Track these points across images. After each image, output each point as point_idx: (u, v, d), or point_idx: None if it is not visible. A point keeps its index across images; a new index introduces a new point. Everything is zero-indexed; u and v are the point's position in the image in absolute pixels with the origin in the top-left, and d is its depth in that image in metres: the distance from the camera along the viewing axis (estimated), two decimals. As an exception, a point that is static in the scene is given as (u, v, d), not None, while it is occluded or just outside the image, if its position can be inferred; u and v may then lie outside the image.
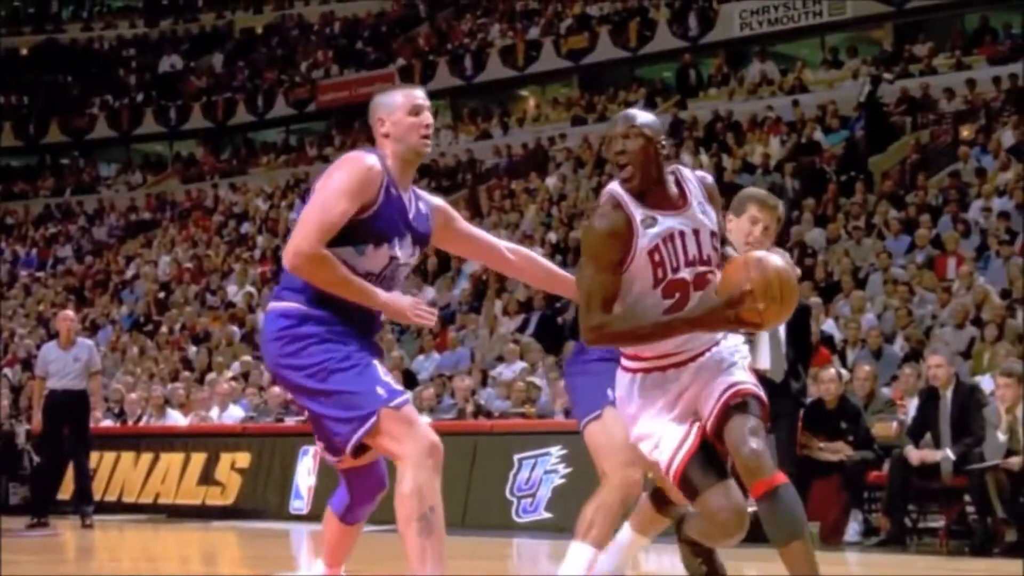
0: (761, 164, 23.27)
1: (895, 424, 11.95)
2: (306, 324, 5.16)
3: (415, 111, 5.28)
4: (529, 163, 29.63)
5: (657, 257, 4.81)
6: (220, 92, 41.82)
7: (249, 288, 25.81)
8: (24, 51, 46.90)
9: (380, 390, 5.03)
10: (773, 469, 4.79)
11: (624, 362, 5.07)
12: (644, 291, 4.80)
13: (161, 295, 27.92)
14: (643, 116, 5.14)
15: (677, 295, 4.81)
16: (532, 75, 35.69)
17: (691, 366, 4.98)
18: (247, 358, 20.24)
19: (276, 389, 16.79)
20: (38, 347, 18.33)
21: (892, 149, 23.88)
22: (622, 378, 5.08)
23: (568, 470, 12.34)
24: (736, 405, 4.89)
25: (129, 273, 30.67)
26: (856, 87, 26.42)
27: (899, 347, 15.51)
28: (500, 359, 18.02)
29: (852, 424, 11.59)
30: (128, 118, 42.51)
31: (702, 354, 4.99)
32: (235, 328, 23.55)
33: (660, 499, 5.80)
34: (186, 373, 20.99)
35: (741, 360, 5.07)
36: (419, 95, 5.34)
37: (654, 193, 4.94)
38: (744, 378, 4.99)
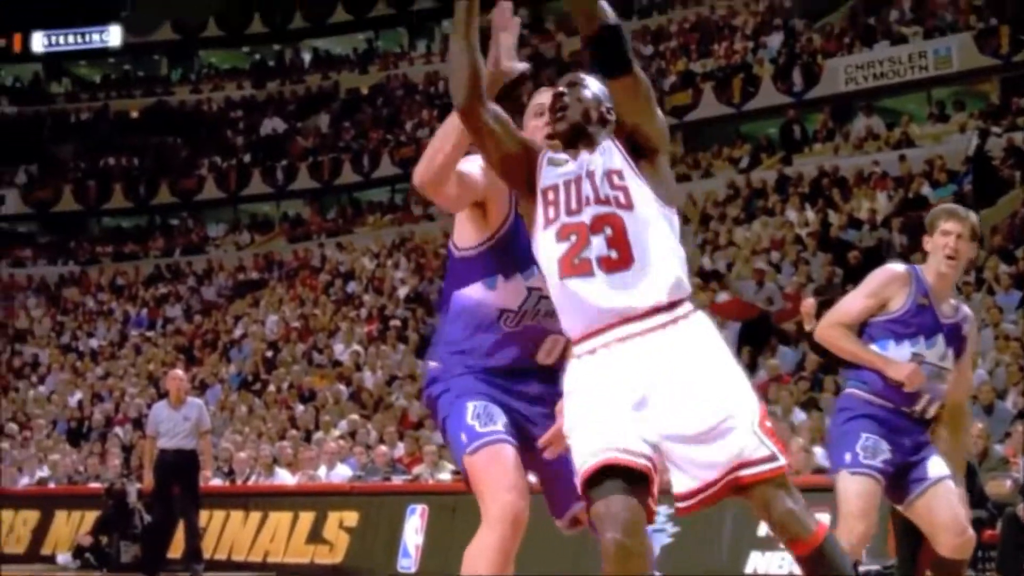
0: (868, 220, 23.11)
1: (1009, 482, 11.84)
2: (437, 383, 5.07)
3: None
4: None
5: None
6: (326, 152, 42.35)
7: (356, 347, 26.05)
8: (135, 114, 47.88)
9: (463, 436, 4.86)
10: (813, 525, 4.44)
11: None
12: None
13: (269, 354, 28.22)
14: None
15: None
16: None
17: (637, 342, 4.48)
18: (354, 417, 20.44)
19: (383, 448, 16.92)
20: (149, 406, 18.66)
21: (1001, 203, 23.62)
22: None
23: (676, 529, 12.36)
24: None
25: (237, 332, 31.04)
26: (963, 141, 26.18)
27: (1011, 403, 15.34)
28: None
29: (966, 482, 11.48)
30: (236, 179, 43.17)
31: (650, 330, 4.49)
32: (342, 387, 23.77)
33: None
34: (293, 432, 21.18)
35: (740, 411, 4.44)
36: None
37: None
38: (762, 451, 4.41)
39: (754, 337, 19.91)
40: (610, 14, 4.46)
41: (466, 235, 5.02)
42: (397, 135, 40.68)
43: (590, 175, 4.54)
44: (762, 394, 17.63)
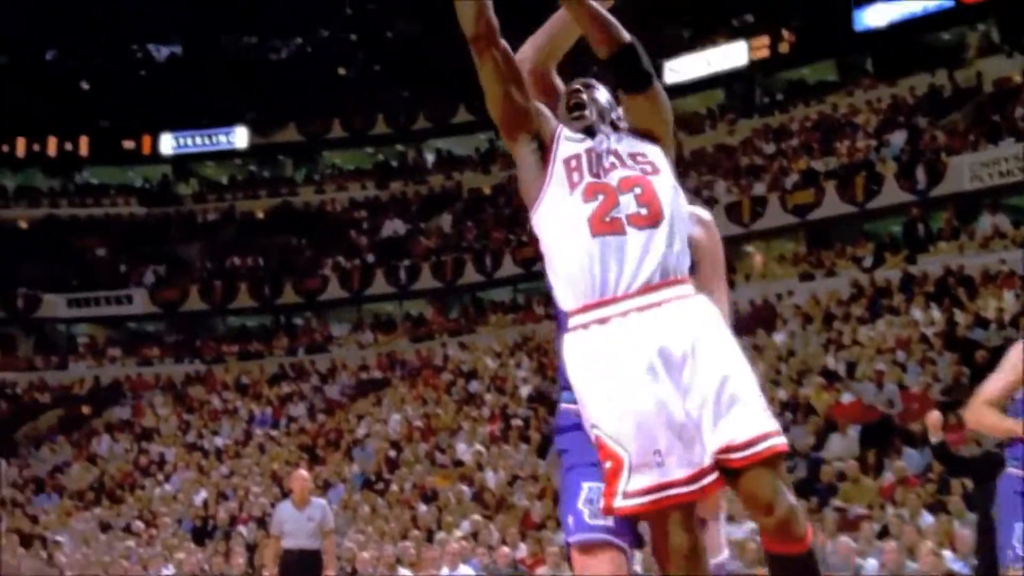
0: (995, 319, 22.93)
1: None
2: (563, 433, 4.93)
3: None
4: (756, 319, 29.61)
5: None
6: (449, 252, 42.83)
7: (478, 447, 26.22)
8: (260, 214, 48.81)
9: (571, 520, 4.71)
10: (806, 530, 4.42)
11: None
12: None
13: (391, 454, 28.48)
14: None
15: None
16: (758, 231, 35.75)
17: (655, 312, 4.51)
18: (477, 517, 20.53)
19: (505, 549, 17.00)
20: (273, 505, 18.88)
21: None
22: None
23: None
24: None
25: (360, 432, 31.35)
26: (1091, 238, 25.98)
27: None
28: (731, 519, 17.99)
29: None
30: (359, 278, 43.77)
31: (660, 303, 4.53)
32: (464, 487, 23.92)
33: None
34: (416, 532, 21.30)
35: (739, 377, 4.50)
36: None
37: None
38: (773, 426, 4.47)
39: (877, 439, 19.80)
40: (624, 33, 4.62)
41: None
42: (519, 235, 41.03)
43: (612, 151, 4.69)
44: (888, 497, 17.54)
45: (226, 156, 52.15)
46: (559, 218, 4.61)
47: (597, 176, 4.62)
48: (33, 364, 44.56)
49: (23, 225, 49.16)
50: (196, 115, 50.39)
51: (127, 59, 54.57)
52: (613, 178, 4.60)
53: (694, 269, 4.75)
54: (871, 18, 39.44)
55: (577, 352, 4.53)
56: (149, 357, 44.01)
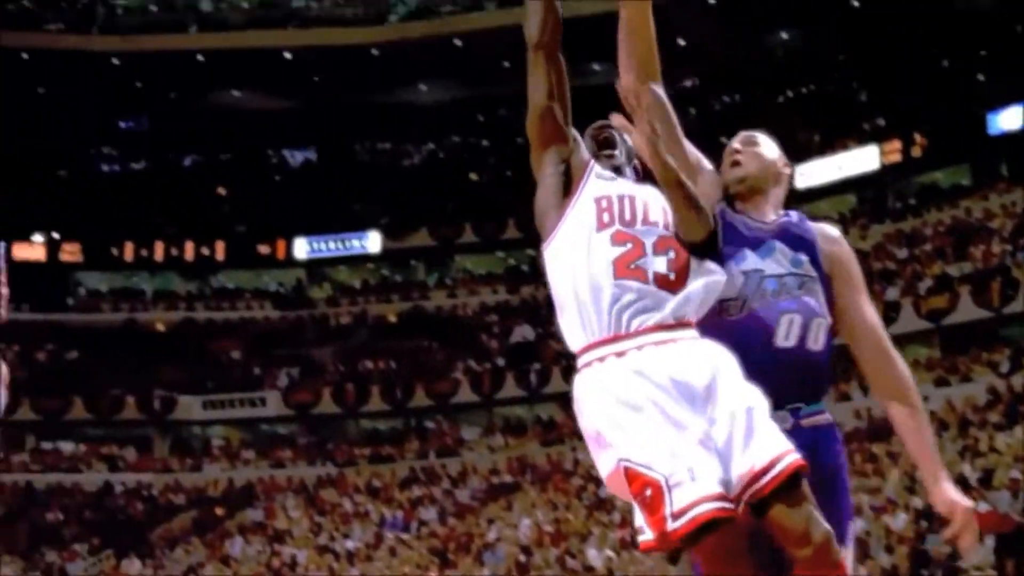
0: None
1: None
2: None
3: None
4: (890, 427, 29.42)
5: None
6: (578, 356, 43.02)
7: (609, 552, 26.31)
8: (392, 318, 49.46)
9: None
10: (842, 557, 4.40)
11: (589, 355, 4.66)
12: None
13: (522, 558, 28.62)
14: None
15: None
16: (892, 336, 35.41)
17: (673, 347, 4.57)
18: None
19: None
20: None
21: None
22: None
23: None
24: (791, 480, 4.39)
25: (491, 536, 31.54)
26: None
27: None
28: None
29: None
30: (490, 382, 44.14)
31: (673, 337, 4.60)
32: (595, 592, 24.04)
33: None
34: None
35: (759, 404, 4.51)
36: None
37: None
38: (790, 445, 4.45)
39: (1014, 549, 19.65)
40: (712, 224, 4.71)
41: None
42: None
43: (644, 203, 4.77)
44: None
45: (359, 260, 52.97)
46: (583, 254, 4.68)
47: (628, 225, 4.71)
48: (168, 465, 45.41)
49: (160, 328, 50.30)
50: (330, 220, 51.34)
51: (263, 165, 55.81)
52: (645, 234, 4.69)
53: (830, 284, 4.95)
54: (1005, 121, 39.34)
55: (595, 385, 4.59)
56: (282, 459, 44.63)
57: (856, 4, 43.94)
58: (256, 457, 44.96)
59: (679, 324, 4.60)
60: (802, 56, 42.73)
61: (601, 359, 4.59)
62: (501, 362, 44.85)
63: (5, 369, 5.81)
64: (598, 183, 4.82)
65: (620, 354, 4.55)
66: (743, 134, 5.19)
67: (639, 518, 4.43)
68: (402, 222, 51.63)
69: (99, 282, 51.92)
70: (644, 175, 4.95)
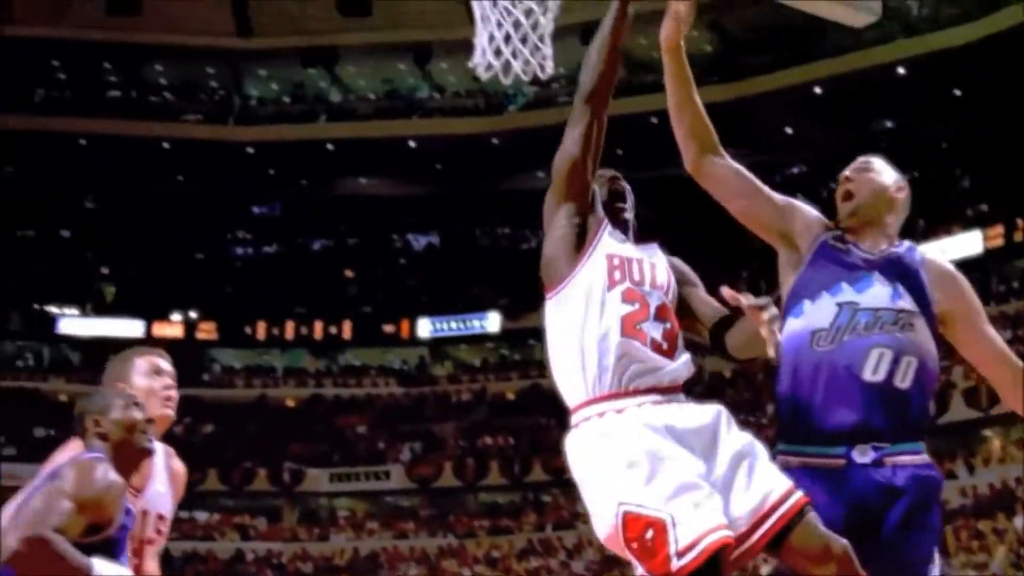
0: None
1: None
2: None
3: None
4: (996, 504, 29.23)
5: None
6: (690, 433, 43.05)
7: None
8: (511, 395, 49.70)
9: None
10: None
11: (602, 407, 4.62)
12: None
13: (635, 628, 28.65)
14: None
15: None
16: (996, 416, 35.23)
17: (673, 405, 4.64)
18: None
19: None
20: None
21: None
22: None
23: None
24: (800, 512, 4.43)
25: (605, 607, 31.63)
26: None
27: None
28: None
29: None
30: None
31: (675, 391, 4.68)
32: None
33: None
34: None
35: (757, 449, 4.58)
36: None
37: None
38: (791, 482, 4.49)
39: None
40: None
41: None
42: (759, 418, 41.12)
43: (650, 261, 4.83)
44: None
45: (479, 340, 53.31)
46: (594, 308, 4.65)
47: (637, 284, 4.71)
48: (297, 535, 45.90)
49: (290, 403, 51.00)
50: (451, 301, 51.84)
51: (388, 249, 56.50)
52: (651, 296, 4.72)
53: (942, 320, 4.80)
54: (1107, 207, 39.04)
55: (595, 435, 4.54)
56: (405, 530, 44.95)
57: (958, 93, 43.92)
58: (380, 528, 45.32)
59: (673, 388, 4.65)
60: (906, 143, 42.57)
61: (601, 414, 4.56)
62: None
63: (180, 465, 5.85)
64: (610, 241, 4.81)
65: (620, 411, 4.53)
66: (858, 160, 5.11)
67: (639, 569, 4.38)
68: (520, 303, 51.88)
69: (233, 359, 52.77)
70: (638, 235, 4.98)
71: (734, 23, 46.61)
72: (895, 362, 4.69)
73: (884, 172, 5.06)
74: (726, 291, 4.66)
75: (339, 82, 54.17)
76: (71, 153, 51.35)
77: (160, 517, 5.59)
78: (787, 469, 4.63)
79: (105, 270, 53.57)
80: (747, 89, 45.54)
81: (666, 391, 4.61)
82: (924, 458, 4.72)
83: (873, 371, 4.68)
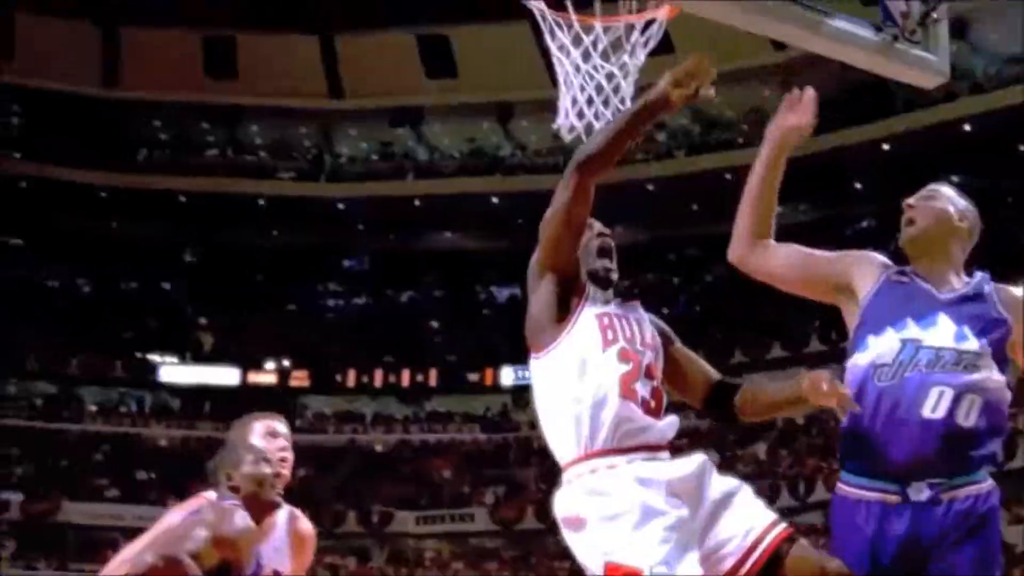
0: None
1: None
2: None
3: None
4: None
5: None
6: (763, 478, 42.94)
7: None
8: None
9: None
10: None
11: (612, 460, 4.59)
12: None
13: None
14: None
15: None
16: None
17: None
18: None
19: None
20: None
21: None
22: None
23: None
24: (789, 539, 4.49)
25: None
26: None
27: None
28: None
29: None
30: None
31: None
32: None
33: None
34: None
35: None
36: None
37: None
38: (776, 515, 4.58)
39: None
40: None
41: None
42: (830, 463, 40.94)
43: (635, 320, 4.77)
44: None
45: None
46: (590, 368, 4.59)
47: (630, 343, 4.66)
48: (385, 575, 46.06)
49: (379, 448, 51.27)
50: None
51: (472, 300, 56.80)
52: (642, 355, 4.67)
53: (1012, 356, 4.64)
54: None
55: (585, 493, 4.55)
56: (489, 571, 44.98)
57: (1022, 149, 43.78)
58: (465, 568, 45.40)
59: (661, 447, 4.63)
60: (972, 196, 42.52)
61: (593, 471, 4.55)
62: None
63: (307, 528, 5.84)
64: (596, 300, 4.75)
65: (612, 467, 4.52)
66: (926, 188, 4.95)
67: None
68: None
69: (324, 405, 53.12)
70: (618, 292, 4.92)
71: (805, 83, 46.65)
72: (956, 400, 4.49)
73: (948, 200, 4.90)
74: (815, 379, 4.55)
75: (425, 141, 54.80)
76: (171, 209, 52.27)
77: (276, 573, 5.59)
78: (843, 501, 4.61)
79: (203, 321, 54.29)
80: (818, 146, 45.63)
81: (655, 449, 4.59)
82: (981, 487, 4.52)
83: (933, 409, 4.48)
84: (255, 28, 48.39)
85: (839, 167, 45.13)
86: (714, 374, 5.06)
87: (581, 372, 4.59)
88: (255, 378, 51.40)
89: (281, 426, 5.79)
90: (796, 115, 5.00)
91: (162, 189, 51.44)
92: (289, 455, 5.72)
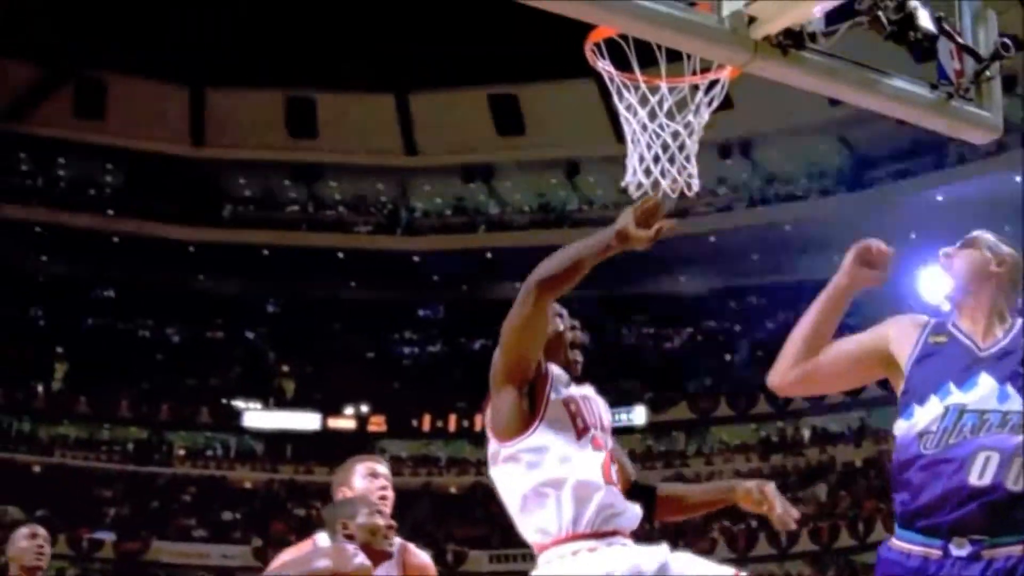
0: None
1: None
2: None
3: None
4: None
5: None
6: (824, 519, 42.63)
7: None
8: (655, 483, 49.54)
9: None
10: None
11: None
12: None
13: None
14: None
15: None
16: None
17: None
18: None
19: None
20: None
21: None
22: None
23: None
24: None
25: None
26: None
27: None
28: None
29: None
30: (744, 541, 43.83)
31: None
32: None
33: None
34: None
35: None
36: None
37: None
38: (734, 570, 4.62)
39: None
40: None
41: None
42: (889, 505, 40.45)
43: (593, 402, 4.72)
44: None
45: (626, 432, 53.12)
46: (567, 459, 4.50)
47: (597, 427, 4.60)
48: (459, 612, 46.13)
49: (453, 490, 51.31)
50: (602, 395, 51.83)
51: (541, 347, 56.83)
52: (606, 438, 4.64)
53: None
54: None
55: (563, 572, 4.48)
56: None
57: (1079, 196, 43.35)
58: (538, 606, 45.24)
59: (632, 531, 4.58)
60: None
61: (575, 553, 4.47)
62: (754, 523, 44.54)
63: (419, 559, 6.03)
64: (559, 385, 4.64)
65: (592, 550, 4.45)
66: (966, 237, 4.75)
67: None
68: (664, 397, 51.97)
69: (400, 449, 53.22)
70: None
71: (860, 137, 46.64)
72: (1003, 465, 4.24)
73: (984, 246, 4.67)
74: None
75: (496, 195, 55.09)
76: (255, 262, 52.81)
77: None
78: (888, 551, 4.49)
79: (285, 368, 54.66)
80: (874, 200, 45.53)
81: (627, 535, 4.55)
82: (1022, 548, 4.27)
83: (979, 475, 4.25)
84: (334, 88, 48.95)
85: (894, 218, 44.95)
86: (633, 472, 5.04)
87: (560, 459, 4.50)
88: (335, 423, 51.66)
89: (381, 467, 6.02)
90: (872, 273, 4.75)
91: (246, 243, 52.03)
92: (390, 494, 5.90)
